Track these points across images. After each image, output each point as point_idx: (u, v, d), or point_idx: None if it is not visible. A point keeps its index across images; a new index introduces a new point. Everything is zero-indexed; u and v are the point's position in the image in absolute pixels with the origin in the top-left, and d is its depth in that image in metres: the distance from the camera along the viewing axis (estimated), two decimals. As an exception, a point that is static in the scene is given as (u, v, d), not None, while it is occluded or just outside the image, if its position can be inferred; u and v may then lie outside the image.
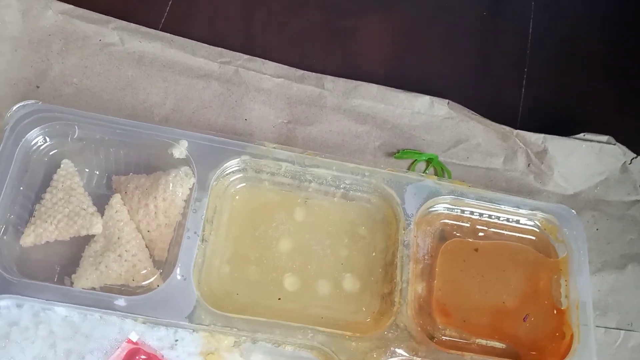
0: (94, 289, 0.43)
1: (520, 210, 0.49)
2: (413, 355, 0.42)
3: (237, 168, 0.47)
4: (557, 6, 0.63)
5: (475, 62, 0.60)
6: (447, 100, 0.56)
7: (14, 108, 0.45)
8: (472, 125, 0.55)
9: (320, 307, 0.45)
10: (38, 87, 0.51)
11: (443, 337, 0.45)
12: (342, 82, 0.55)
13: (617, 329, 0.49)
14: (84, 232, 0.45)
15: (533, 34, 0.61)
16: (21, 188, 0.45)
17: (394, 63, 0.59)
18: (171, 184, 0.46)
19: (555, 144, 0.54)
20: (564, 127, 0.56)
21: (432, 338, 0.45)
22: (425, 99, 0.56)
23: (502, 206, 0.49)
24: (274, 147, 0.47)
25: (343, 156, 0.52)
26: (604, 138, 0.54)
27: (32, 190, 0.46)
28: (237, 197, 0.48)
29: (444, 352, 0.43)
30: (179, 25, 0.56)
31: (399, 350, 0.42)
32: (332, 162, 0.47)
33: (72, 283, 0.44)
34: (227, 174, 0.47)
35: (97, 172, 0.48)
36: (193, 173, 0.46)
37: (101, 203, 0.46)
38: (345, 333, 0.42)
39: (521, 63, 0.60)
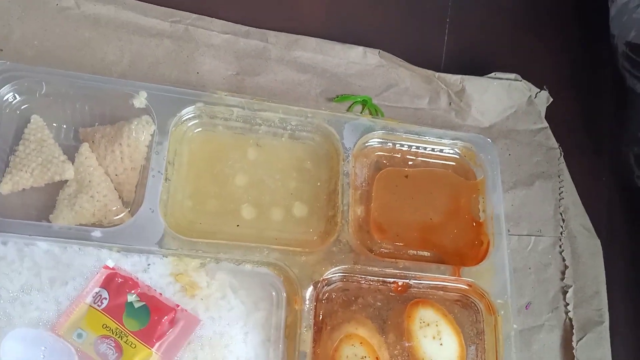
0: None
1: (443, 141, 0.57)
2: (354, 265, 0.50)
3: (193, 115, 0.53)
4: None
5: (401, 13, 0.66)
6: (378, 50, 0.62)
7: (-18, 68, 0.49)
8: (400, 72, 0.63)
9: (274, 231, 0.52)
10: (1, 50, 0.54)
11: (381, 249, 0.53)
12: (283, 36, 0.61)
13: (528, 235, 0.58)
14: (57, 178, 0.51)
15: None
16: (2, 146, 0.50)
17: (331, 17, 0.65)
18: (134, 131, 0.51)
19: (472, 84, 0.62)
20: (482, 68, 0.64)
21: (371, 251, 0.52)
22: (359, 49, 0.62)
23: (427, 138, 0.56)
24: (226, 95, 0.53)
25: (289, 103, 0.59)
26: (512, 76, 0.62)
27: (6, 144, 0.51)
28: (194, 141, 0.54)
29: (380, 260, 0.51)
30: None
31: (343, 261, 0.50)
32: (278, 106, 0.54)
33: (49, 223, 0.49)
34: (184, 120, 0.53)
35: (65, 126, 0.53)
36: (153, 120, 0.52)
37: (71, 153, 0.51)
38: (296, 249, 0.49)
39: (444, 11, 0.67)
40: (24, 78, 0.50)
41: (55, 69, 0.50)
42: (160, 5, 0.59)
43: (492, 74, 0.62)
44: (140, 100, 0.51)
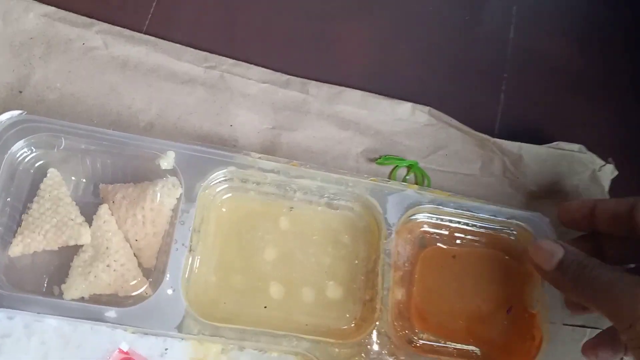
0: (83, 298, 0.44)
1: (497, 218, 0.51)
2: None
3: (224, 178, 0.48)
4: (537, 13, 0.65)
5: (455, 68, 0.61)
6: (428, 108, 0.57)
7: (-1, 120, 0.45)
8: (451, 133, 0.57)
9: (304, 314, 0.47)
10: (21, 92, 0.50)
11: (421, 341, 0.48)
12: (326, 87, 0.56)
13: (583, 326, 0.52)
14: (72, 242, 0.46)
15: (513, 41, 0.62)
16: (8, 199, 0.45)
17: (377, 68, 0.59)
18: (159, 195, 0.47)
19: (530, 152, 0.56)
20: (539, 135, 0.58)
21: (410, 342, 0.47)
22: (407, 105, 0.57)
23: (480, 214, 0.51)
24: (260, 158, 0.48)
25: (326, 162, 0.54)
26: (576, 147, 0.56)
27: (19, 201, 0.47)
28: (223, 207, 0.49)
29: (421, 356, 0.46)
30: (163, 28, 0.55)
31: (379, 356, 0.45)
32: (317, 172, 0.49)
33: (61, 293, 0.44)
34: (213, 184, 0.48)
35: (84, 180, 0.49)
36: (180, 183, 0.47)
37: (89, 211, 0.47)
38: (328, 340, 0.44)
39: (500, 71, 0.61)
40: (43, 131, 0.45)
41: (76, 123, 0.46)
42: (195, 48, 0.55)
43: (555, 144, 0.56)
44: (167, 162, 0.47)
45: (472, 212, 0.51)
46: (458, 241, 0.51)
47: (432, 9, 0.63)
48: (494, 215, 0.51)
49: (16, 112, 0.45)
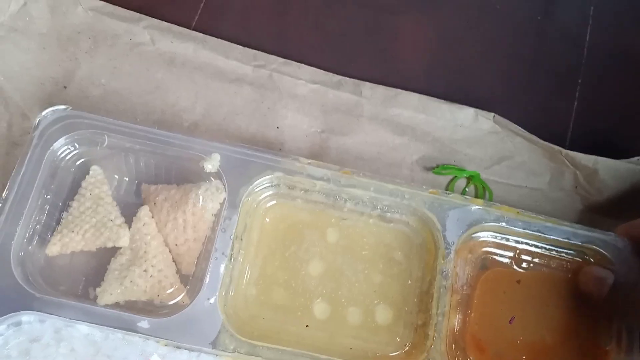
0: (117, 303, 0.42)
1: (570, 241, 0.46)
2: (445, 394, 0.40)
3: (270, 184, 0.45)
4: (617, 14, 0.59)
5: (524, 71, 0.56)
6: (492, 114, 0.52)
7: (43, 113, 0.43)
8: (517, 142, 0.52)
9: (349, 337, 0.43)
10: (65, 87, 0.49)
11: (477, 373, 0.43)
12: (381, 89, 0.52)
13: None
14: (110, 244, 0.44)
15: (589, 43, 0.57)
16: (48, 196, 0.44)
17: (436, 68, 0.55)
18: (201, 199, 0.44)
19: (607, 167, 0.50)
20: (616, 147, 0.52)
21: (465, 375, 0.43)
22: (470, 111, 0.52)
23: (551, 235, 0.46)
24: (309, 164, 0.45)
25: (378, 169, 0.50)
26: (660, 164, 0.50)
27: (59, 198, 0.45)
28: (268, 215, 0.46)
29: (477, 391, 0.41)
30: (212, 23, 0.53)
31: (430, 388, 0.41)
32: (370, 182, 0.45)
33: (96, 296, 0.42)
34: (258, 190, 0.45)
35: (127, 179, 0.47)
36: (224, 188, 0.44)
37: (129, 211, 0.45)
38: (374, 367, 0.41)
39: (574, 75, 0.55)
40: (86, 128, 0.43)
41: (120, 121, 0.43)
42: (244, 45, 0.52)
43: (635, 159, 0.50)
44: (212, 164, 0.44)
45: (542, 232, 0.45)
46: (524, 264, 0.46)
47: (501, 5, 0.58)
48: (567, 238, 0.46)
49: (61, 107, 0.43)
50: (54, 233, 0.44)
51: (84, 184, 0.45)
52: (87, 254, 0.44)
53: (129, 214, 0.45)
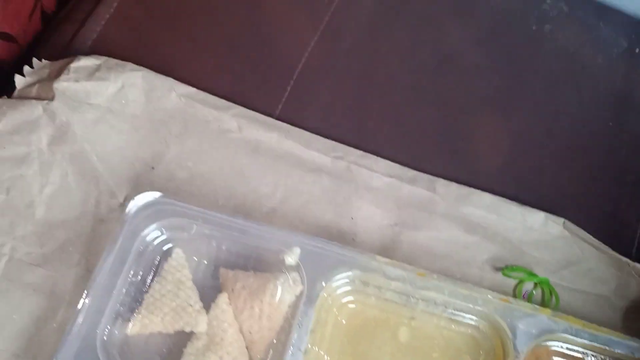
0: (192, 389, 0.43)
1: (634, 356, 0.46)
2: None
3: (346, 281, 0.46)
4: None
5: (595, 178, 0.57)
6: (562, 220, 0.53)
7: (136, 198, 0.45)
8: (585, 248, 0.53)
9: None
10: (153, 168, 0.51)
11: None
12: (454, 187, 0.54)
13: None
14: (188, 329, 0.45)
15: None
16: (133, 278, 0.46)
17: (509, 169, 0.56)
18: (279, 290, 0.45)
19: (679, 283, 0.51)
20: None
21: None
22: (540, 215, 0.53)
23: (617, 350, 0.46)
24: (386, 264, 0.46)
25: (449, 266, 0.51)
26: None
27: (143, 279, 0.46)
28: (342, 311, 0.47)
29: None
30: (295, 113, 0.55)
31: None
32: (445, 285, 0.46)
33: (171, 380, 0.44)
34: (335, 285, 0.46)
35: (205, 262, 0.48)
36: (302, 281, 0.46)
37: (206, 294, 0.46)
38: None
39: (645, 183, 0.57)
40: (176, 216, 0.45)
41: (209, 211, 0.45)
42: (324, 135, 0.54)
43: None
44: (292, 258, 0.45)
45: (608, 346, 0.46)
46: (592, 378, 0.46)
47: (575, 110, 0.59)
48: (632, 352, 0.46)
49: (157, 194, 0.46)
50: (135, 313, 0.46)
51: (166, 266, 0.47)
52: (163, 336, 0.46)
53: (206, 297, 0.46)
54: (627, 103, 0.61)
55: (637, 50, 0.62)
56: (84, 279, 0.47)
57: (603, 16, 0.64)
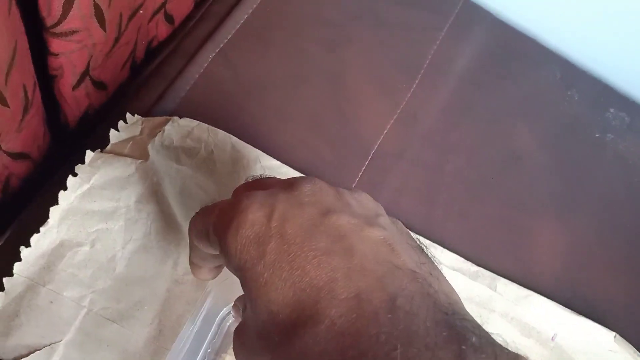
0: None
1: None
2: None
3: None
4: None
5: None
6: (614, 333, 0.55)
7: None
8: (634, 364, 0.55)
9: None
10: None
11: None
12: (514, 287, 0.55)
13: None
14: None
15: None
16: (209, 350, 0.47)
17: (565, 274, 0.58)
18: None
19: None
20: None
21: None
22: (593, 325, 0.55)
23: None
24: None
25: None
26: None
27: (215, 350, 0.48)
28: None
29: None
30: (368, 193, 0.57)
31: None
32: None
33: None
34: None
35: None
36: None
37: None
38: None
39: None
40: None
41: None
42: (394, 221, 0.56)
43: None
44: None
45: None
46: None
47: (630, 221, 0.62)
48: None
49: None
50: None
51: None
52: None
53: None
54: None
55: (691, 168, 0.65)
56: (156, 339, 0.49)
57: (661, 130, 0.67)
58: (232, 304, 0.46)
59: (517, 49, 0.66)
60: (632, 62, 0.66)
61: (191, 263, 0.43)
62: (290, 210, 0.32)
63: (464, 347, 0.26)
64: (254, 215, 0.32)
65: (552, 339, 0.49)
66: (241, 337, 0.34)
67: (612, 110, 0.67)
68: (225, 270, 0.46)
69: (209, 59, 0.59)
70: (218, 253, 0.36)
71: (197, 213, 0.39)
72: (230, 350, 0.48)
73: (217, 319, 0.47)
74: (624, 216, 0.62)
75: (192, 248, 0.41)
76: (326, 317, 0.27)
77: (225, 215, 0.34)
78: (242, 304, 0.41)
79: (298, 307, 0.29)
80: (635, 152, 0.65)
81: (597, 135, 0.65)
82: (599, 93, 0.66)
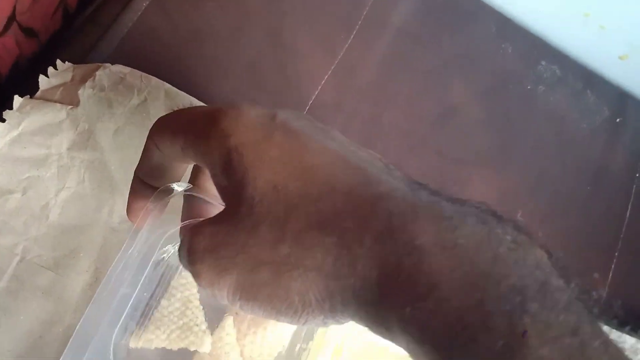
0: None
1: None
2: None
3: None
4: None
5: (568, 240, 0.62)
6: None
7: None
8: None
9: None
10: (169, 183, 0.53)
11: None
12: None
13: None
14: (192, 348, 0.48)
15: (630, 219, 0.64)
16: (140, 292, 0.47)
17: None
18: (282, 318, 0.48)
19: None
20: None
21: None
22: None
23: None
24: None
25: None
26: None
27: (150, 293, 0.48)
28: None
29: None
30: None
31: None
32: None
33: (170, 394, 0.46)
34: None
35: (210, 283, 0.50)
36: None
37: (211, 314, 0.48)
38: None
39: (612, 248, 0.62)
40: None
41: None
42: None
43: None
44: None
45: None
46: None
47: (557, 172, 0.65)
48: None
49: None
50: (140, 326, 0.47)
51: (174, 283, 0.49)
52: (166, 352, 0.48)
53: (210, 317, 0.49)
54: (603, 170, 0.66)
55: (617, 120, 0.68)
56: (92, 286, 0.49)
57: (590, 83, 0.69)
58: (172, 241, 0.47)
59: (454, 3, 0.68)
60: (564, 16, 0.68)
61: (132, 190, 0.43)
62: (292, 115, 0.34)
63: None
64: (256, 110, 0.33)
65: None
66: (213, 239, 0.33)
67: (543, 63, 0.69)
68: (158, 217, 0.46)
69: (144, 7, 0.58)
70: (182, 151, 0.36)
71: (167, 114, 0.40)
72: (168, 295, 0.48)
73: (149, 255, 0.47)
74: (552, 166, 0.65)
75: (143, 160, 0.41)
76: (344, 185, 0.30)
77: (219, 109, 0.34)
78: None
79: (309, 181, 0.30)
80: (565, 104, 0.68)
81: (529, 88, 0.67)
82: (532, 46, 0.68)
